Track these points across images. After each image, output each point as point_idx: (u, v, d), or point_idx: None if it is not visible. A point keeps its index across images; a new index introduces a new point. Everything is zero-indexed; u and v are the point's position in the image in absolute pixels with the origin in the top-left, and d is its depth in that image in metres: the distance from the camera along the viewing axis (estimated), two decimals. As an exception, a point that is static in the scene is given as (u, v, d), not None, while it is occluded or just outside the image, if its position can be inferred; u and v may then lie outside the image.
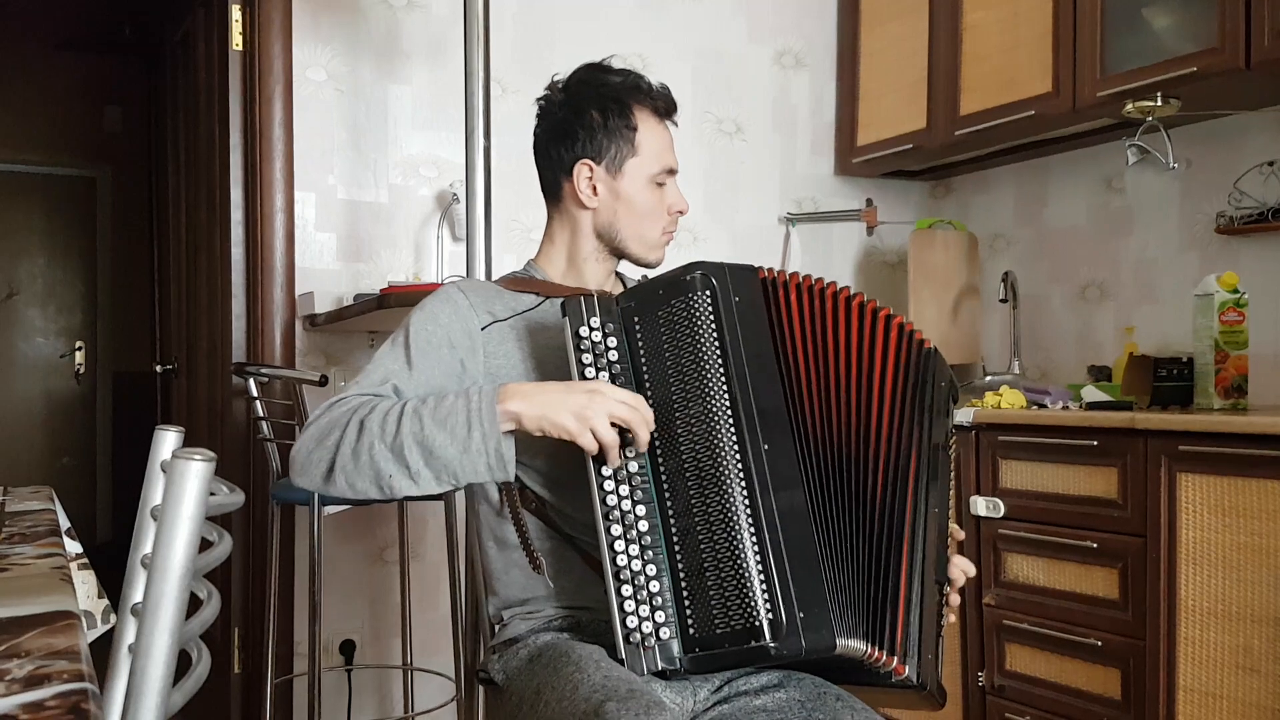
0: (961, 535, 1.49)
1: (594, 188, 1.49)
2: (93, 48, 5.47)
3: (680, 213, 1.54)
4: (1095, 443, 2.38)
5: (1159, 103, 2.62)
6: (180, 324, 3.73)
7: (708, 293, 1.29)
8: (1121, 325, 3.08)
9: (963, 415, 2.64)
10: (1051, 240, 3.31)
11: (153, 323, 4.68)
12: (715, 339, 1.28)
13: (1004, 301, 3.27)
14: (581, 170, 1.49)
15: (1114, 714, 2.37)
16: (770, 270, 1.35)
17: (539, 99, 1.54)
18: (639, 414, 1.25)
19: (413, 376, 1.39)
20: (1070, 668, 2.46)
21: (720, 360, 1.27)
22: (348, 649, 2.88)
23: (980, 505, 2.61)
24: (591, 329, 1.31)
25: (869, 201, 3.45)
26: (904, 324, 1.37)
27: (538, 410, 1.26)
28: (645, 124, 1.50)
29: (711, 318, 1.28)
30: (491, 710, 1.49)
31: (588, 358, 1.30)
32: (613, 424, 1.25)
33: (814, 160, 3.56)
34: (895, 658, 1.27)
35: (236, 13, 2.89)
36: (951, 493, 1.41)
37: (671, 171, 1.52)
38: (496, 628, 1.49)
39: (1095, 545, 2.39)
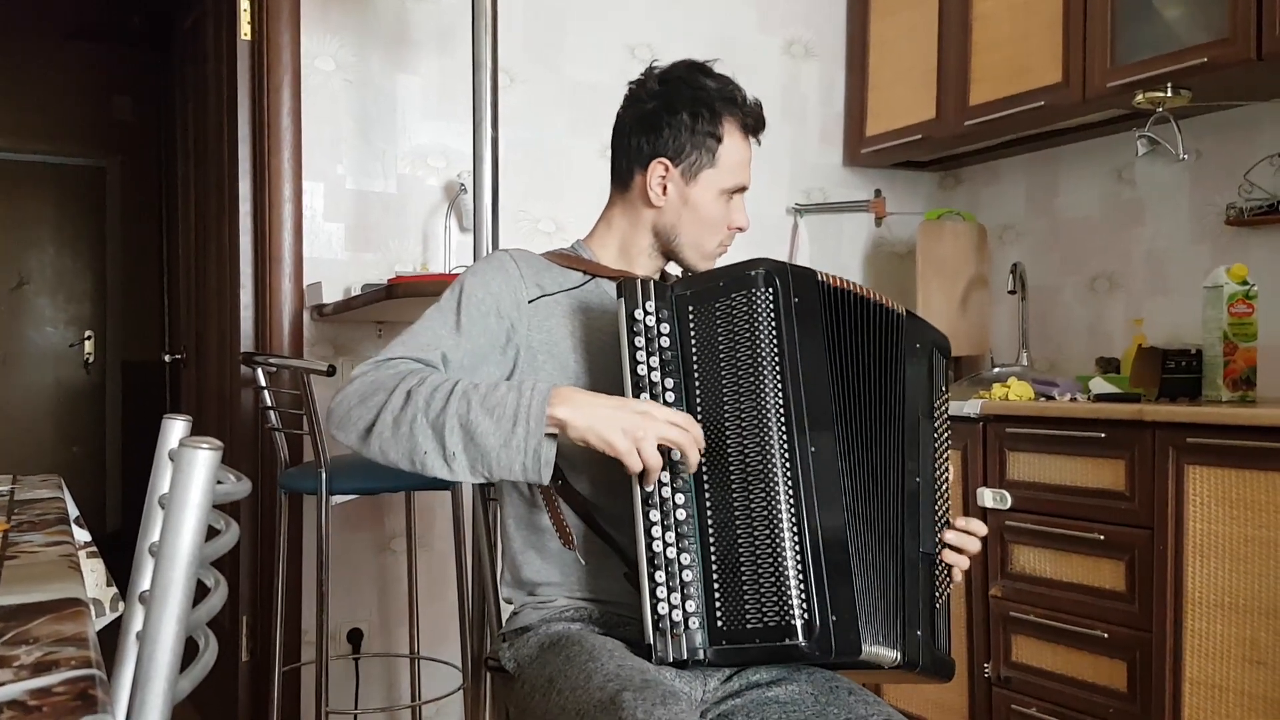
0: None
1: (664, 187, 1.48)
2: (102, 37, 5.47)
3: (740, 229, 1.53)
4: (1103, 434, 2.38)
5: (1169, 93, 2.60)
6: (189, 314, 3.74)
7: (770, 290, 1.28)
8: (1131, 317, 3.07)
9: (970, 406, 2.63)
10: (1061, 232, 3.30)
11: (162, 312, 4.69)
12: (774, 338, 1.27)
13: (1013, 293, 3.26)
14: (656, 168, 1.48)
15: (1120, 706, 2.37)
16: (827, 275, 1.35)
17: (632, 82, 1.53)
18: (689, 435, 1.24)
19: (460, 344, 1.38)
20: (1077, 659, 2.46)
21: (778, 360, 1.27)
22: (355, 638, 2.89)
23: (987, 497, 2.61)
24: (646, 313, 1.29)
25: (878, 192, 3.44)
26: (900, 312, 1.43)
27: (585, 421, 1.23)
28: (731, 137, 1.49)
29: (773, 316, 1.27)
30: (500, 699, 1.49)
31: (640, 341, 1.29)
32: (661, 446, 1.24)
33: (823, 150, 3.55)
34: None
35: (245, 2, 2.89)
36: (949, 452, 1.44)
37: (742, 188, 1.52)
38: (506, 615, 1.49)
39: (1102, 537, 2.39)
